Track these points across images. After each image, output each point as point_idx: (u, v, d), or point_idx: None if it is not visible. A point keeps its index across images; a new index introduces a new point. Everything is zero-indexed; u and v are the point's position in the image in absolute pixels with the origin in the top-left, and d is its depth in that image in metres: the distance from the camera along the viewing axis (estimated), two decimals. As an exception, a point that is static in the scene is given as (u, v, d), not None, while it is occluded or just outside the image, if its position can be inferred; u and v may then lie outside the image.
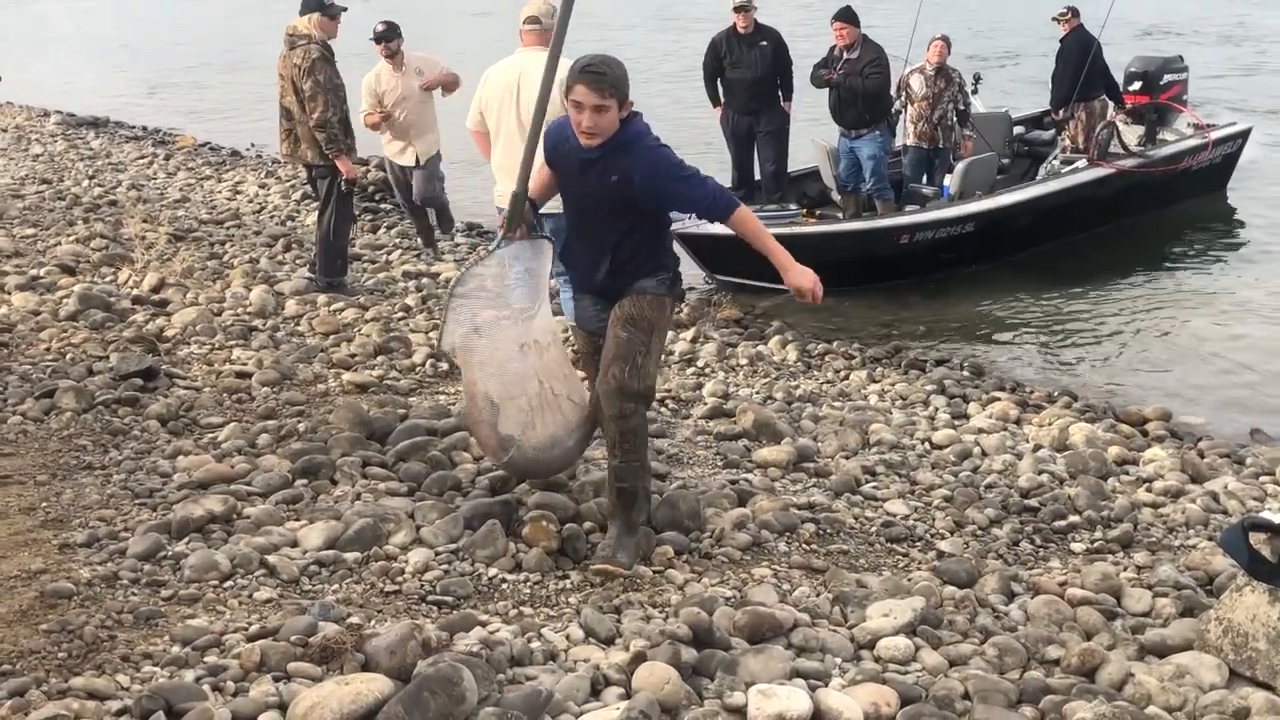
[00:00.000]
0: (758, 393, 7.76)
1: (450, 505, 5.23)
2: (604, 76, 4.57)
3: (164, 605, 4.26)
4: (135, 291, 8.82)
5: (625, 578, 4.74)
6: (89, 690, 3.63)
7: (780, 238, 10.11)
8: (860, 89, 10.93)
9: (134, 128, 17.83)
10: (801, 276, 5.02)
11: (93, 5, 37.08)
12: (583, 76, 4.57)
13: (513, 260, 5.21)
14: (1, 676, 3.71)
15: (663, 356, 4.97)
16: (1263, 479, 6.74)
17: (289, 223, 11.66)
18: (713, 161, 12.70)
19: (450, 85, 10.34)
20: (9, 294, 8.47)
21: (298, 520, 5.05)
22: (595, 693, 3.88)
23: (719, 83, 11.66)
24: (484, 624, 4.25)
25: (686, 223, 10.31)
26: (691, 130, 15.44)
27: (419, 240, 11.13)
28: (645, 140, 4.78)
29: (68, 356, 7.27)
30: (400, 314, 8.85)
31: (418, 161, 10.40)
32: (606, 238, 4.94)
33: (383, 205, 13.08)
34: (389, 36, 10.08)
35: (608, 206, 4.83)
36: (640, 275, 4.93)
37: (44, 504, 5.18)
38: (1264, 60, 20.83)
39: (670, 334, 8.89)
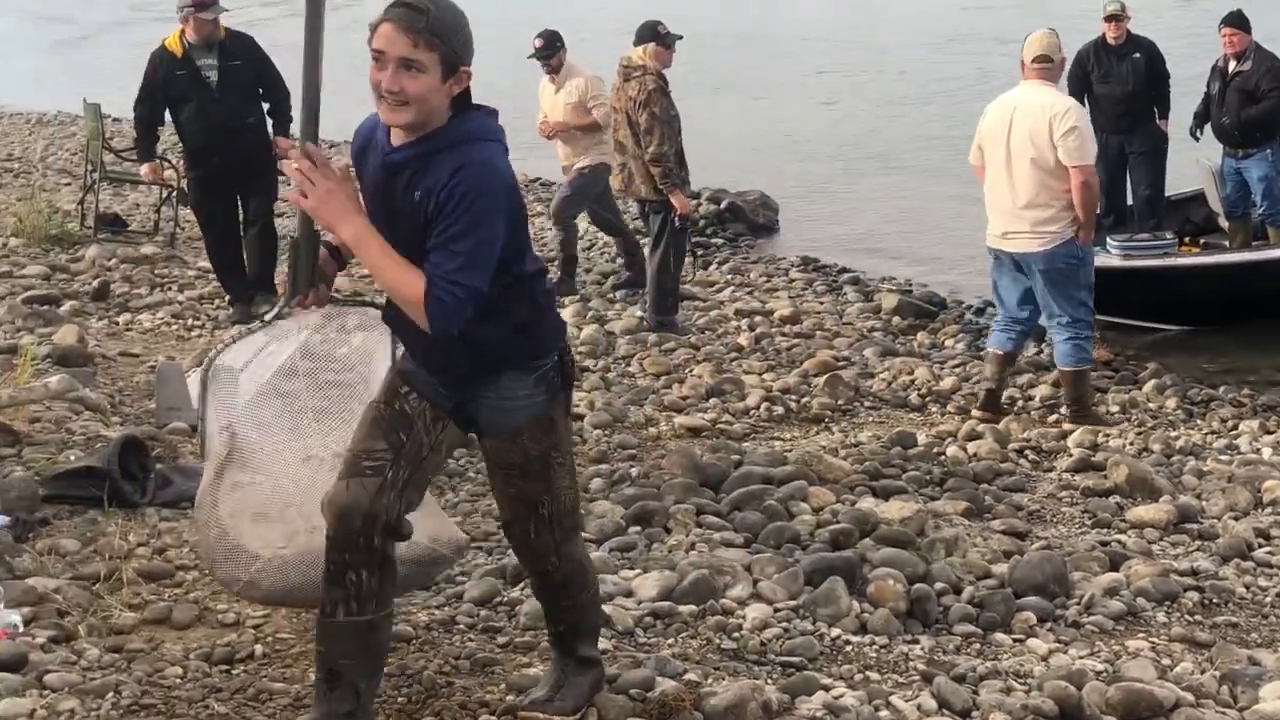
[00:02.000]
0: (1131, 444, 7.50)
1: (789, 559, 5.25)
2: (423, 15, 3.22)
3: (499, 652, 4.41)
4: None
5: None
6: (429, 736, 3.85)
7: (1151, 270, 9.97)
8: (1248, 103, 10.52)
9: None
10: None
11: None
12: (390, 12, 3.27)
13: (291, 337, 4.09)
14: (344, 718, 3.99)
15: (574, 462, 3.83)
16: None
17: (620, 260, 12.02)
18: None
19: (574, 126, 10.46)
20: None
21: (632, 569, 5.15)
22: (949, 768, 3.86)
23: (1086, 100, 11.37)
24: (827, 688, 4.24)
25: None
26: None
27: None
28: (481, 146, 3.35)
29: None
30: (733, 354, 8.99)
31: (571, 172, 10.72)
32: None
33: (714, 240, 13.34)
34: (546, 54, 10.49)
35: (421, 242, 3.33)
36: (498, 366, 3.54)
37: (383, 545, 5.51)
38: None
39: (1030, 376, 8.72)
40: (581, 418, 7.31)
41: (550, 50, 10.43)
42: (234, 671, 4.28)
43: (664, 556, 5.33)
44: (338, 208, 3.31)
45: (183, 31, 8.90)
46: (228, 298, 9.57)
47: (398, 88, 3.23)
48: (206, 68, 8.93)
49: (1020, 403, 8.26)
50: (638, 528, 5.64)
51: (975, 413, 7.84)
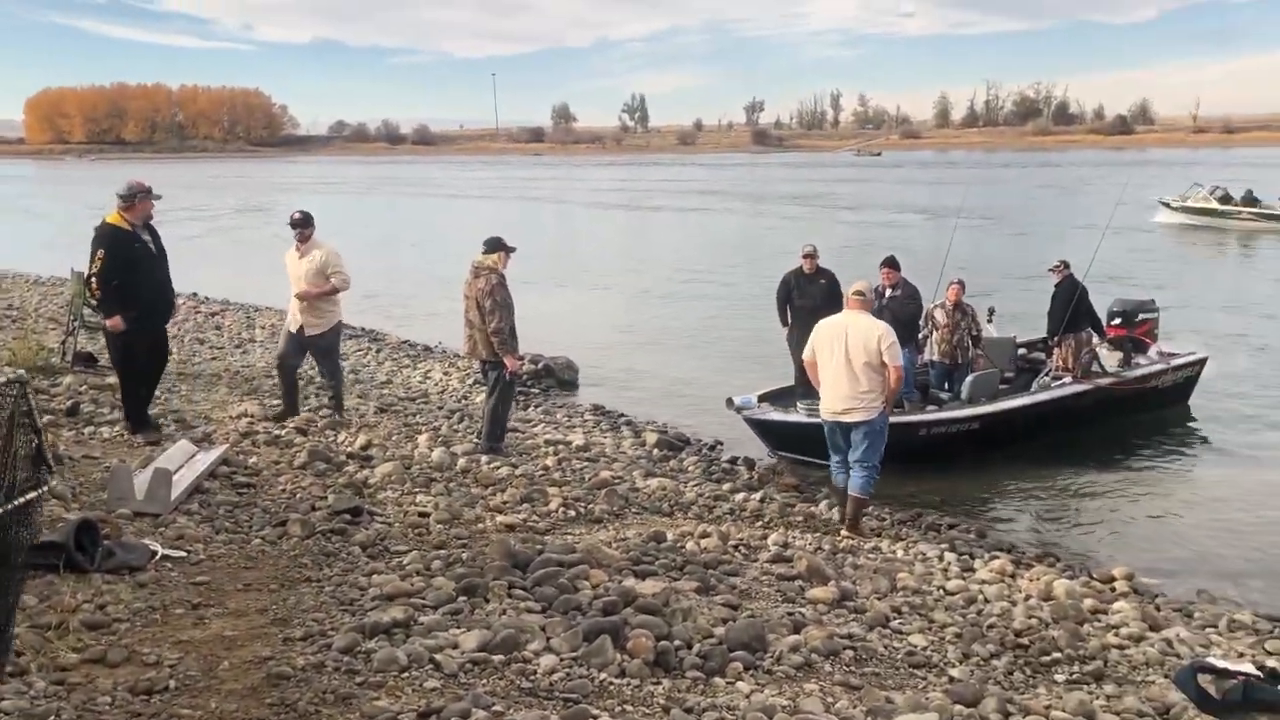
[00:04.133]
0: (810, 544, 7.66)
1: (573, 621, 5.18)
2: None
3: (358, 689, 4.26)
4: (349, 449, 9.03)
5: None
6: (299, 752, 3.66)
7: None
8: (900, 315, 11.05)
9: (356, 329, 18.37)
10: None
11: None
12: None
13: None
14: (235, 738, 3.76)
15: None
16: (1208, 630, 6.47)
17: (463, 401, 11.91)
18: (780, 365, 12.80)
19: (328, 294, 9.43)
20: (258, 448, 8.69)
21: (459, 628, 5.03)
22: (678, 775, 3.81)
23: (788, 309, 11.78)
24: (596, 717, 4.18)
25: (755, 410, 10.42)
26: (766, 343, 15.63)
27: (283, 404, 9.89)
28: None
29: (297, 495, 7.40)
30: (541, 472, 8.92)
31: (302, 330, 9.49)
32: None
33: (533, 390, 13.33)
34: (303, 224, 9.40)
35: None
36: None
37: (274, 606, 5.25)
38: (1226, 302, 20.57)
39: (743, 494, 8.85)
40: (428, 515, 7.17)
41: (307, 224, 9.45)
42: (152, 700, 4.02)
43: (483, 618, 5.22)
44: None
45: (123, 213, 8.20)
46: (134, 421, 8.65)
47: None
48: (149, 242, 8.33)
49: (736, 513, 8.38)
50: (465, 597, 5.50)
51: (845, 531, 8.08)
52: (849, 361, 7.89)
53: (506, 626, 4.99)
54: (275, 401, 10.52)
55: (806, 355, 8.34)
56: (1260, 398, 13.25)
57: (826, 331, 8.15)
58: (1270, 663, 5.81)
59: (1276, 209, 33.78)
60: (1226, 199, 35.53)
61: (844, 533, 7.99)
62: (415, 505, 7.45)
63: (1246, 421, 12.20)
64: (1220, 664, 4.87)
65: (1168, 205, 36.98)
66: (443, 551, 6.33)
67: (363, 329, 18.39)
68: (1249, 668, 4.93)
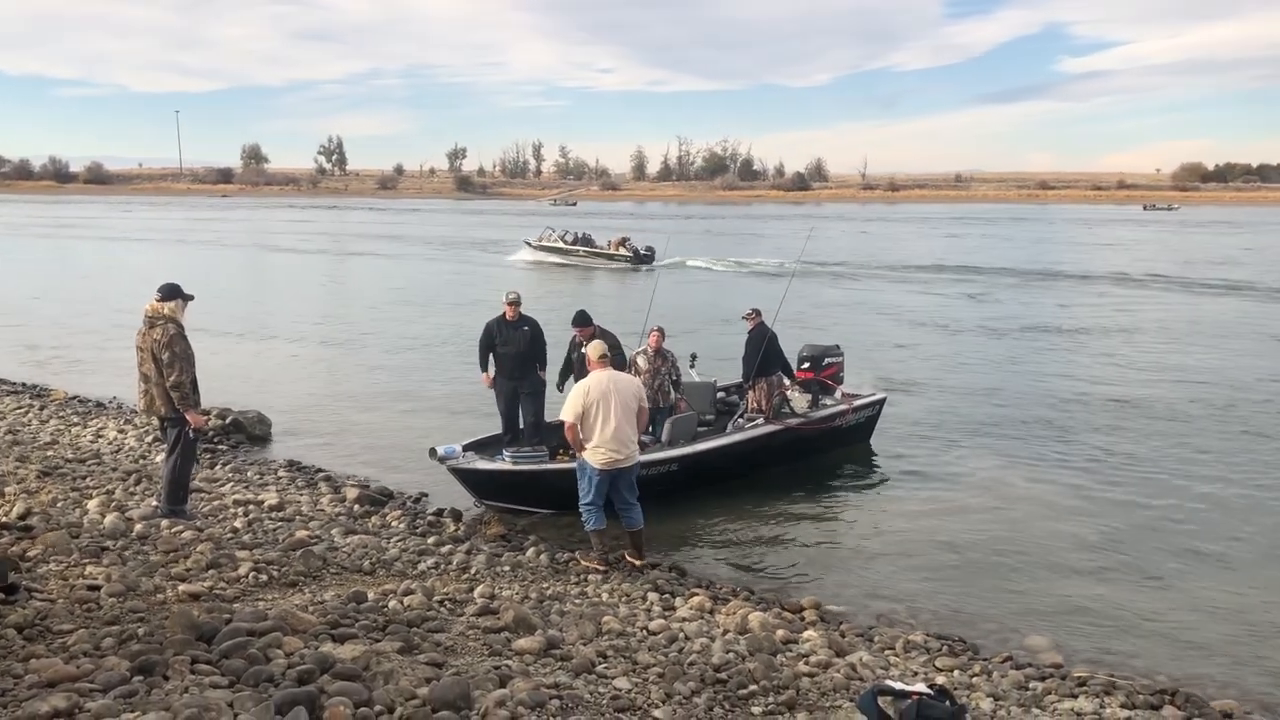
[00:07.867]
0: (518, 593, 7.63)
1: (264, 694, 4.88)
2: None
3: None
4: (3, 519, 8.12)
5: None
6: None
7: (532, 472, 10.32)
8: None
9: (15, 384, 16.70)
10: None
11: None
12: None
13: None
14: None
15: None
16: (887, 652, 6.98)
17: (141, 461, 11.05)
18: (484, 412, 12.76)
19: None
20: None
21: (133, 712, 4.59)
22: None
23: (491, 355, 11.75)
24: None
25: (460, 459, 10.30)
26: (469, 388, 15.55)
27: None
28: None
29: (-62, 575, 6.58)
30: (230, 535, 8.41)
31: None
32: None
33: (220, 446, 12.57)
34: None
35: None
36: None
37: (-95, 706, 4.62)
38: (903, 347, 22.43)
39: (448, 546, 8.72)
40: (99, 588, 6.55)
41: None
42: None
43: (162, 699, 4.80)
44: None
45: None
46: None
47: None
48: None
49: (442, 567, 8.23)
50: (141, 676, 5.07)
51: (590, 562, 8.67)
52: (624, 412, 8.58)
53: (189, 706, 4.61)
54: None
55: (570, 416, 8.63)
56: (928, 433, 14.55)
57: (598, 389, 8.63)
58: (940, 680, 6.34)
59: (605, 249, 44.27)
60: (576, 241, 45.76)
61: (630, 559, 8.78)
62: (84, 578, 6.79)
63: (918, 456, 13.35)
64: (897, 685, 5.24)
65: (530, 244, 47.20)
66: (115, 627, 5.80)
67: (24, 384, 16.75)
68: (922, 687, 5.34)
